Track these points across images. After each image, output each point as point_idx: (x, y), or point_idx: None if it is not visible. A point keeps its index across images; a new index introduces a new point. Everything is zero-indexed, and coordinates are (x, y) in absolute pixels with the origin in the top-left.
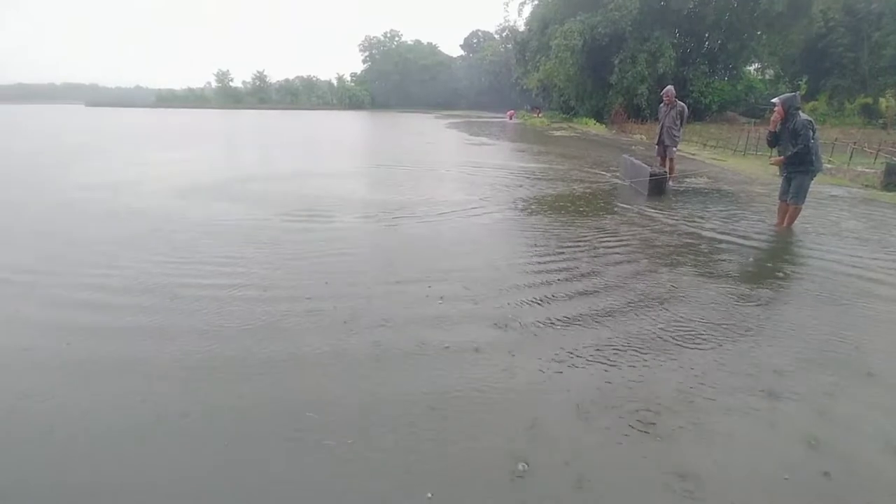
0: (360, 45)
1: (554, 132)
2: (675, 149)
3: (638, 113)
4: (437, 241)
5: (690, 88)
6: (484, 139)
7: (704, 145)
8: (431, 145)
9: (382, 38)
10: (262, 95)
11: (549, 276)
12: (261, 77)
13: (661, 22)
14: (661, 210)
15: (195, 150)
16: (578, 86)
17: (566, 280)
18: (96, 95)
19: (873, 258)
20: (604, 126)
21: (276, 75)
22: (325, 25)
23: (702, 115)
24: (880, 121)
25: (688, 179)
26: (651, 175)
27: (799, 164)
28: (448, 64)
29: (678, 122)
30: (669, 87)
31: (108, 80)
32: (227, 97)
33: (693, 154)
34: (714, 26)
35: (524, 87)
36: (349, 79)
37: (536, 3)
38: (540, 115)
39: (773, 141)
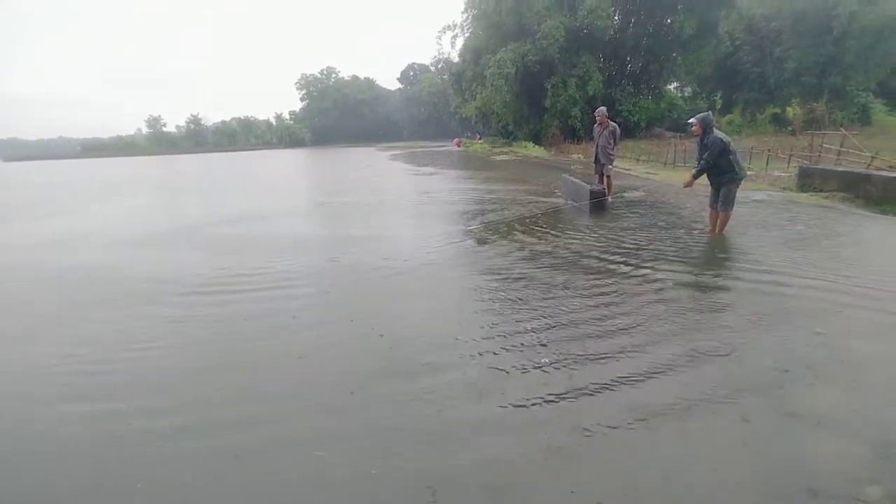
0: (296, 83)
1: (496, 157)
2: (610, 166)
3: (573, 134)
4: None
5: (619, 108)
6: (430, 168)
7: (638, 160)
8: (379, 178)
9: (319, 76)
10: (198, 139)
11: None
12: (195, 121)
13: (587, 48)
14: (602, 225)
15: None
16: (515, 111)
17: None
18: (15, 149)
19: (791, 257)
20: (542, 148)
21: (212, 118)
22: (260, 66)
23: (632, 132)
24: (789, 128)
25: (625, 194)
26: (591, 193)
27: (724, 174)
28: (387, 97)
29: (612, 141)
30: (602, 108)
31: (26, 132)
32: (160, 143)
33: (628, 169)
34: (634, 50)
35: (463, 115)
36: (288, 117)
37: (468, 35)
38: (480, 140)
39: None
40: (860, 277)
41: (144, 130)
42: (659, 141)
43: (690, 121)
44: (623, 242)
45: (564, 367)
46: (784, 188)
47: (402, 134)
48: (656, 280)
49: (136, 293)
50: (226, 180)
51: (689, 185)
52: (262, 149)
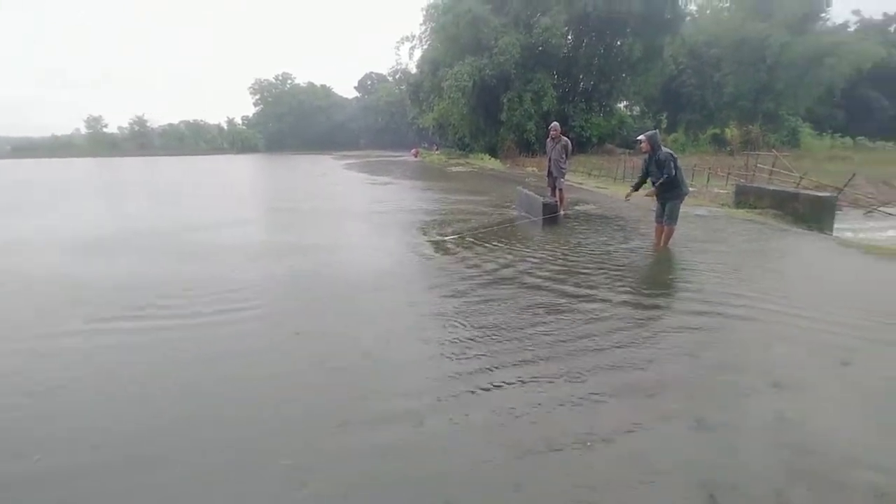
0: (250, 87)
1: (452, 168)
2: (563, 179)
3: (528, 147)
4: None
5: (572, 124)
6: (386, 178)
7: (589, 174)
8: (335, 187)
9: (274, 81)
10: (143, 141)
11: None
12: (140, 122)
13: (542, 64)
14: (553, 238)
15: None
16: (472, 124)
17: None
18: None
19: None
20: (498, 161)
21: (159, 120)
22: (212, 69)
23: (584, 147)
24: (728, 148)
25: (577, 207)
26: (544, 206)
27: (669, 190)
28: (344, 105)
29: (564, 155)
30: (555, 124)
31: None
32: (100, 144)
33: (580, 183)
34: (586, 69)
35: (420, 126)
36: (240, 122)
37: (426, 47)
38: (437, 151)
39: (646, 173)
40: (789, 300)
41: (83, 130)
42: (609, 157)
43: (639, 138)
44: (570, 257)
45: (488, 386)
46: (723, 204)
47: (359, 143)
48: (598, 301)
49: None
50: (170, 186)
51: (650, 194)
52: (212, 154)
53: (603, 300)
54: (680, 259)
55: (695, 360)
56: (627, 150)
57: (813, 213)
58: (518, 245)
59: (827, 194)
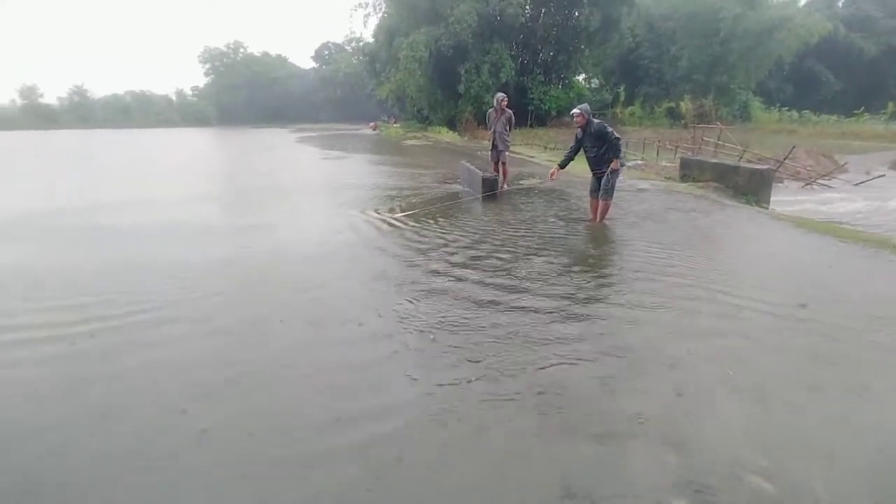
0: (199, 56)
1: (408, 142)
2: (507, 153)
3: (487, 120)
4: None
5: (531, 96)
6: (339, 153)
7: (545, 148)
8: (288, 163)
9: (225, 50)
10: (84, 113)
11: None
12: (80, 92)
13: (499, 35)
14: (489, 214)
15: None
16: (430, 95)
17: None
18: None
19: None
20: (457, 133)
21: (100, 90)
22: (158, 35)
23: (543, 120)
24: (682, 121)
25: (522, 182)
26: (483, 181)
27: (604, 163)
28: (301, 76)
29: (508, 128)
30: (502, 94)
31: None
32: (36, 116)
33: (532, 157)
34: (545, 40)
35: (378, 98)
36: (190, 93)
37: (381, 14)
38: (396, 124)
39: (577, 147)
40: (720, 282)
41: (18, 102)
42: (568, 129)
43: (574, 111)
44: (501, 234)
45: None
46: (668, 178)
47: (318, 115)
48: (515, 291)
49: None
50: (147, 161)
51: (553, 175)
52: (161, 127)
53: (514, 283)
54: (606, 236)
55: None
56: None
57: (752, 186)
58: (447, 222)
59: (765, 167)
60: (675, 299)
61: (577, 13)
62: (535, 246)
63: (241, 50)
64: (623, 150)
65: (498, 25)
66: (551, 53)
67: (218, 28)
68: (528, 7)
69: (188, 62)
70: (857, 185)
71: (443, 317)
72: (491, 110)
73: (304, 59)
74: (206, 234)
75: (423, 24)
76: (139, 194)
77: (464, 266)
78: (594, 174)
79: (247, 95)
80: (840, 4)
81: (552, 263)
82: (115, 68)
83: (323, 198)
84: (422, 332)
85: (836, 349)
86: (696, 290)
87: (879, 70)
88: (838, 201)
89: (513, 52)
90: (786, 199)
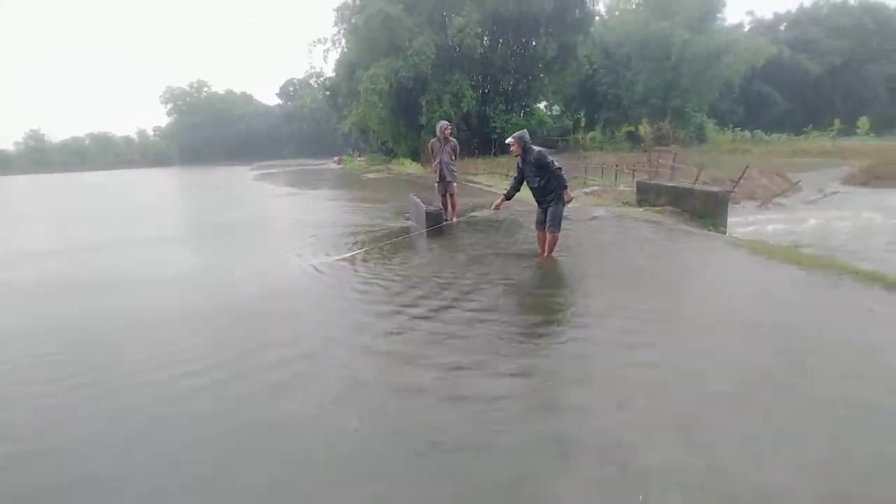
0: (161, 96)
1: (369, 175)
2: (454, 184)
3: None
4: None
5: (493, 125)
6: (293, 189)
7: (506, 175)
8: (230, 202)
9: (188, 89)
10: (39, 157)
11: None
12: (36, 136)
13: (459, 66)
14: (432, 252)
15: None
16: (392, 127)
17: None
18: None
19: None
20: (420, 165)
21: (61, 133)
22: (119, 78)
23: (506, 149)
24: (641, 144)
25: (474, 213)
26: (427, 216)
27: (549, 193)
28: (266, 113)
29: (453, 157)
30: (445, 122)
31: None
32: None
33: (490, 185)
34: (504, 69)
35: (342, 132)
36: (152, 133)
37: (341, 49)
38: (360, 157)
39: (520, 177)
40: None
41: None
42: None
43: (507, 141)
44: (433, 278)
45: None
46: (625, 203)
47: (283, 151)
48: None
49: None
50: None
51: (499, 206)
52: (120, 168)
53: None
54: (554, 273)
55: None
56: (551, 150)
57: (708, 209)
58: (381, 265)
59: (719, 189)
60: (618, 367)
61: (534, 42)
62: (467, 289)
63: (205, 89)
64: (564, 179)
65: (457, 56)
66: (511, 82)
67: (182, 67)
68: (485, 38)
69: (150, 102)
70: (810, 202)
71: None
72: (434, 140)
73: (269, 96)
74: (109, 288)
75: (382, 57)
76: (86, 238)
77: (378, 315)
78: (539, 205)
79: (210, 134)
80: (783, 28)
81: (477, 312)
82: (72, 110)
83: (250, 240)
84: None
85: None
86: (647, 354)
87: (825, 88)
88: (794, 221)
89: (473, 82)
90: (743, 219)
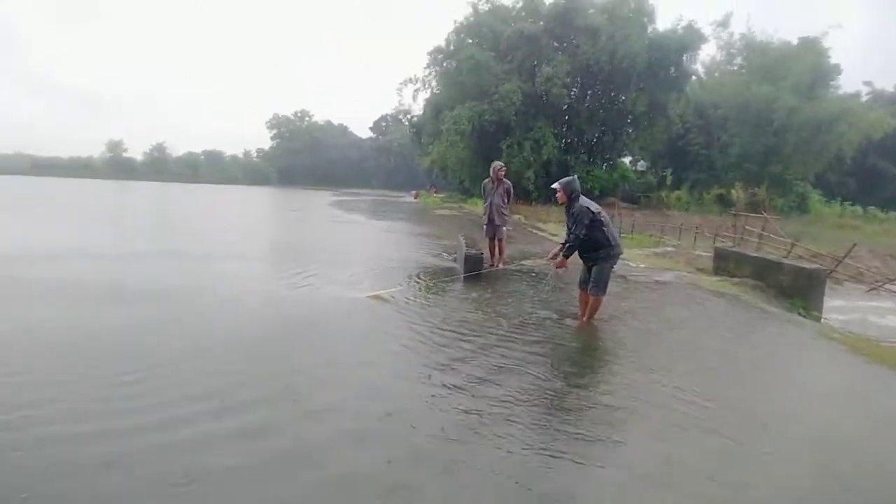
0: (267, 122)
1: (440, 211)
2: (505, 228)
3: (527, 195)
4: None
5: (573, 175)
6: (357, 217)
7: None
8: (296, 223)
9: (292, 118)
10: (159, 167)
11: None
12: (160, 149)
13: (543, 114)
14: (469, 293)
15: None
16: (470, 168)
17: None
18: None
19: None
20: None
21: (180, 148)
22: (232, 100)
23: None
24: (732, 209)
25: (525, 262)
26: (467, 259)
27: (595, 250)
28: (359, 145)
29: (506, 200)
30: (499, 163)
31: None
32: (118, 168)
33: (555, 234)
34: (589, 121)
35: (423, 167)
36: (255, 154)
37: (430, 90)
38: (437, 194)
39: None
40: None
41: (106, 154)
42: (609, 210)
43: (554, 186)
44: (452, 331)
45: None
46: (699, 269)
47: (370, 181)
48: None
49: None
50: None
51: (561, 266)
52: (224, 183)
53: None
54: (586, 346)
55: None
56: (633, 206)
57: (798, 287)
58: (407, 307)
59: (815, 266)
60: None
61: (623, 97)
62: (480, 348)
63: (307, 118)
64: (618, 237)
65: (543, 104)
66: (596, 134)
67: (285, 94)
68: (574, 89)
69: (255, 123)
70: None
71: None
72: (486, 180)
73: (363, 129)
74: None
75: (468, 100)
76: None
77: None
78: (584, 263)
79: (305, 159)
80: None
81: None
82: (189, 126)
83: (290, 264)
84: None
85: None
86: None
87: None
88: None
89: (556, 131)
90: (844, 304)
